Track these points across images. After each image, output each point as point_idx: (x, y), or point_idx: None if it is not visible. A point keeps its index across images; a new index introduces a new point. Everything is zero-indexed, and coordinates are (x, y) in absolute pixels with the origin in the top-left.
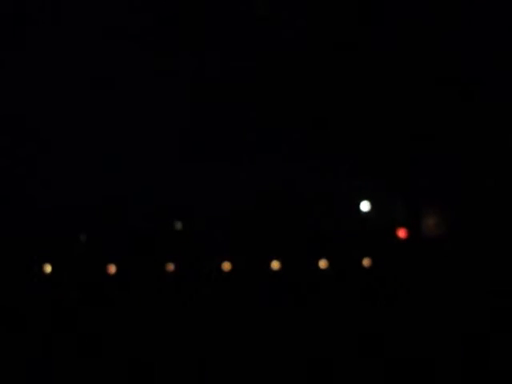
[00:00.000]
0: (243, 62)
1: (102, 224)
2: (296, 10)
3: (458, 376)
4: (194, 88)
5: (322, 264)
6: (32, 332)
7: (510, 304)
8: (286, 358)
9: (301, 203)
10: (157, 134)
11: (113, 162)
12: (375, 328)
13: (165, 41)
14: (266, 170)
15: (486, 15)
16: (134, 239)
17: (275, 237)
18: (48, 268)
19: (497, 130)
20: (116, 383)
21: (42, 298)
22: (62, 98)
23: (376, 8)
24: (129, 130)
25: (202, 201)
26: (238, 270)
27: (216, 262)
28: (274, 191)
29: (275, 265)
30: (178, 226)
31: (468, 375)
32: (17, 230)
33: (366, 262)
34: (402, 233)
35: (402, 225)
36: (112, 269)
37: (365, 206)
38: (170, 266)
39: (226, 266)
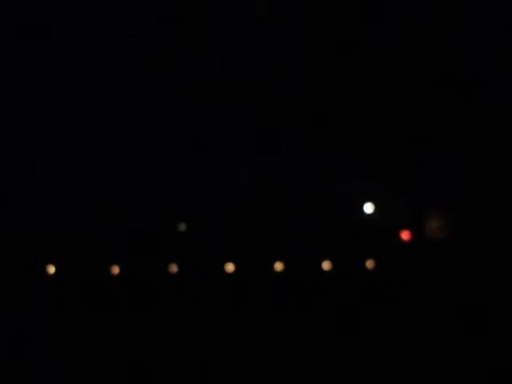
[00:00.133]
0: (243, 62)
1: (101, 224)
2: (296, 10)
3: (461, 377)
4: (194, 88)
5: (326, 266)
6: (35, 333)
7: None
8: (289, 359)
9: (304, 204)
10: (157, 134)
11: (113, 162)
12: (378, 330)
13: (165, 41)
14: (266, 170)
15: (486, 15)
16: (135, 240)
17: (277, 238)
18: (51, 269)
19: (500, 131)
20: None
21: (45, 299)
22: (61, 98)
23: (376, 8)
24: (129, 130)
25: (201, 201)
26: (240, 272)
27: (218, 263)
28: (274, 191)
29: (278, 266)
30: (179, 226)
31: (470, 376)
32: (17, 231)
33: (370, 263)
34: (405, 235)
35: (405, 227)
36: (115, 270)
37: (368, 207)
38: (173, 268)
39: (229, 267)
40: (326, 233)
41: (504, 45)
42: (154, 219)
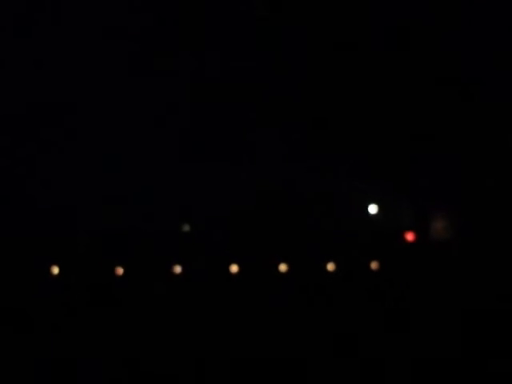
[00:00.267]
0: (243, 62)
1: (101, 225)
2: (296, 10)
3: (464, 377)
4: (194, 88)
5: (330, 267)
6: (38, 334)
7: None
8: (293, 359)
9: (306, 205)
10: (157, 134)
11: (113, 162)
12: (382, 331)
13: (165, 41)
14: (266, 170)
15: (486, 15)
16: (135, 240)
17: (279, 239)
18: (55, 270)
19: (504, 132)
20: None
21: (48, 300)
22: (61, 98)
23: (376, 8)
24: (129, 130)
25: (201, 201)
26: (242, 273)
27: (217, 263)
28: (274, 191)
29: (282, 267)
30: (179, 226)
31: (474, 376)
32: (16, 231)
33: (374, 265)
34: (409, 236)
35: (409, 228)
36: (119, 271)
37: (372, 208)
38: (177, 268)
39: (230, 268)
40: (330, 234)
41: (504, 45)
42: (154, 219)
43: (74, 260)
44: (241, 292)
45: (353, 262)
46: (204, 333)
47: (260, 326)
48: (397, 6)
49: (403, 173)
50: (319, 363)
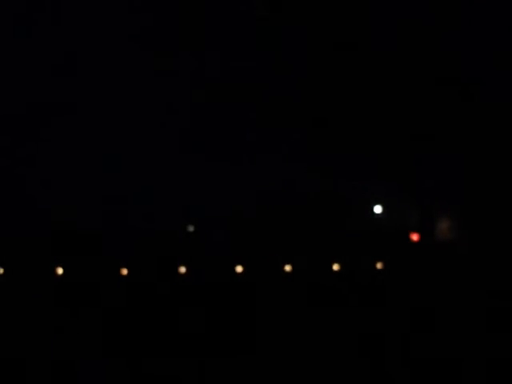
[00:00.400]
0: (243, 62)
1: (101, 225)
2: (296, 10)
3: (468, 373)
4: (194, 88)
5: (336, 267)
6: (39, 334)
7: None
8: (298, 359)
9: (309, 205)
10: (157, 133)
11: (113, 162)
12: (387, 330)
13: (165, 41)
14: (266, 170)
15: (486, 15)
16: (135, 240)
17: (286, 241)
18: (59, 270)
19: (500, 131)
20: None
21: (49, 299)
22: (61, 98)
23: (376, 8)
24: (129, 130)
25: (201, 201)
26: (243, 273)
27: (217, 264)
28: (274, 191)
29: (288, 267)
30: (184, 227)
31: (477, 373)
32: (16, 231)
33: (379, 265)
34: (414, 237)
35: (414, 229)
36: (123, 272)
37: (378, 209)
38: (181, 269)
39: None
40: (336, 235)
41: (504, 45)
42: (154, 219)
43: (76, 260)
44: (244, 291)
45: (358, 262)
46: (207, 333)
47: (264, 325)
48: (397, 5)
49: (408, 174)
50: (323, 363)
